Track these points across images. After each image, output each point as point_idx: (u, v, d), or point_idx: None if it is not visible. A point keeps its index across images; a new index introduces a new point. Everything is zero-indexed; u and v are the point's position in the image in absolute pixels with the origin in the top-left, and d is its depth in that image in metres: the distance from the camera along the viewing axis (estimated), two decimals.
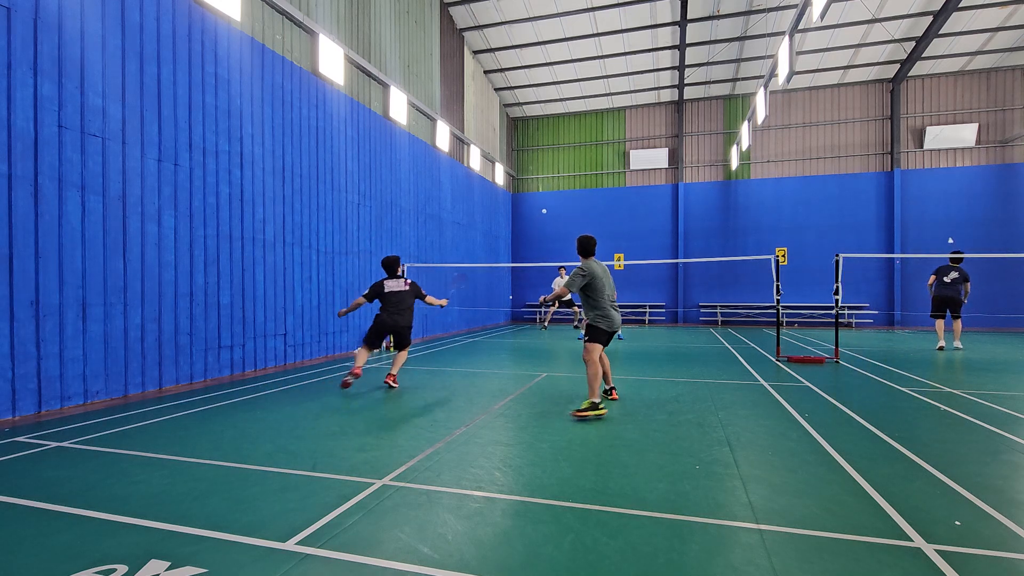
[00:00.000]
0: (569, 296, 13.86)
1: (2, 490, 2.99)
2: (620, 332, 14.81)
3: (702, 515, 2.62)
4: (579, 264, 5.06)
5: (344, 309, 6.30)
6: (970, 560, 2.17)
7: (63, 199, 5.04)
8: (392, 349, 6.52)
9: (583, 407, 4.71)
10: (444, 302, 6.67)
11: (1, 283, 4.56)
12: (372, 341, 6.13)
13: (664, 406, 5.15)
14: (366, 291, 6.18)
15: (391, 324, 6.12)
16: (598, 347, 4.91)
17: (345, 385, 5.80)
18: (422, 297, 6.40)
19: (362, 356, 5.95)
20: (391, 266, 6.33)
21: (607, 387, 5.50)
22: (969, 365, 7.92)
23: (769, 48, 15.15)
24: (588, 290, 4.98)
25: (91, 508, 2.73)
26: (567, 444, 3.89)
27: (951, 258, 9.82)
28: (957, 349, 9.70)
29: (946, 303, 9.78)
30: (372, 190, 10.41)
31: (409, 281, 6.32)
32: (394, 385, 6.10)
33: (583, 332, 5.28)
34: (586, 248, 5.17)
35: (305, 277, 8.45)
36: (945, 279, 9.85)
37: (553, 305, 14.47)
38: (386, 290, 6.18)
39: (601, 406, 4.71)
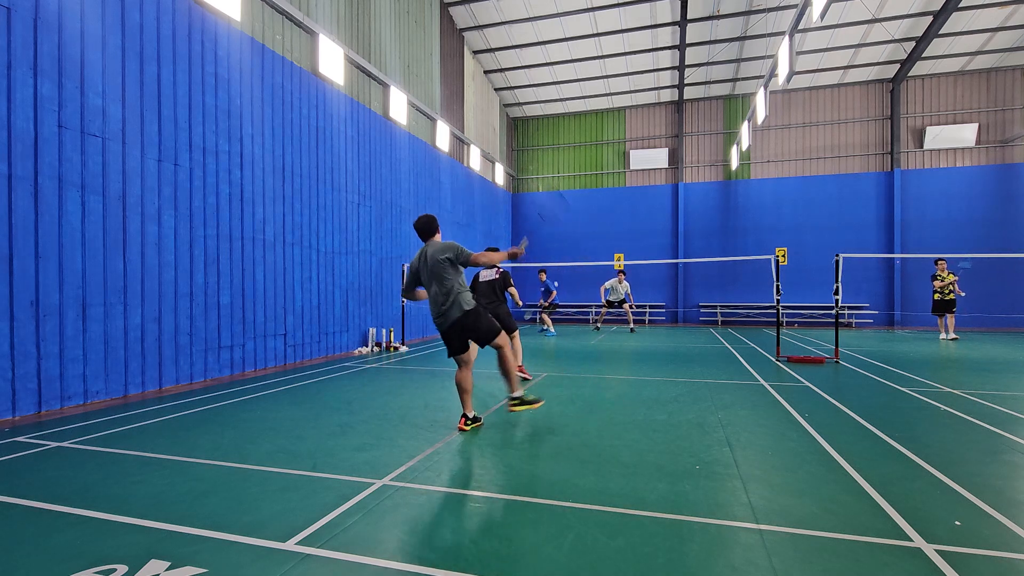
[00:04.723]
0: (609, 297, 14.17)
1: (2, 490, 2.99)
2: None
3: (702, 515, 2.62)
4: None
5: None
6: (970, 560, 2.17)
7: (63, 199, 5.04)
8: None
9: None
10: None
11: (1, 283, 4.56)
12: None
13: (664, 406, 5.15)
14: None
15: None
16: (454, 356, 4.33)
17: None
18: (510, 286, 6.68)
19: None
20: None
21: (471, 415, 4.35)
22: (969, 365, 7.92)
23: (769, 48, 15.14)
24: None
25: (91, 508, 2.73)
26: (567, 444, 3.88)
27: (936, 260, 12.08)
28: (948, 339, 11.71)
29: (942, 305, 11.95)
30: (372, 190, 10.41)
31: (500, 270, 6.55)
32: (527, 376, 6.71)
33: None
34: (419, 231, 4.32)
35: (305, 277, 8.45)
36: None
37: (604, 307, 14.64)
38: (482, 279, 6.48)
39: (473, 423, 4.29)
